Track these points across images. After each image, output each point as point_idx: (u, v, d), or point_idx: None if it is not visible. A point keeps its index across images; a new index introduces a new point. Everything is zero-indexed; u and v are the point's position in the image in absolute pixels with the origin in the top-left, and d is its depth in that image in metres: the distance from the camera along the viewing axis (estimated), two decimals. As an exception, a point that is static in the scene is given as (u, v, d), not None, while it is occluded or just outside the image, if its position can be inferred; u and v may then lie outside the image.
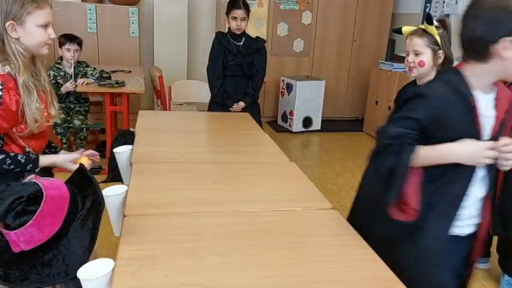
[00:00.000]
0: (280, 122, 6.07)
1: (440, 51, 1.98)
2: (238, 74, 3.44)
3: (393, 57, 6.14)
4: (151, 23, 5.88)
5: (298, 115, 5.78)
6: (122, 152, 2.11)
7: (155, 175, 1.90)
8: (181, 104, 4.96)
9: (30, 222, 1.13)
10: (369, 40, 6.29)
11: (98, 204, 1.28)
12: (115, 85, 3.89)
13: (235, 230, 1.48)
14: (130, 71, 4.77)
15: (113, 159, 2.23)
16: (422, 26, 2.03)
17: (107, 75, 4.17)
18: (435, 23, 1.99)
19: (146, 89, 5.17)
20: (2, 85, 1.55)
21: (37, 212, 1.14)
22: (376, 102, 5.72)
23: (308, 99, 5.79)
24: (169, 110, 4.49)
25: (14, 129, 1.65)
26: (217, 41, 3.46)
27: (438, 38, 1.97)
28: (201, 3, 6.20)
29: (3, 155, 1.62)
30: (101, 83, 3.94)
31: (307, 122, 5.88)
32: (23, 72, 1.60)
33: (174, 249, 1.32)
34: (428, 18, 1.96)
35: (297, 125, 5.83)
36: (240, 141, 2.60)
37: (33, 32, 1.61)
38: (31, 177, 1.26)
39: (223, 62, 3.41)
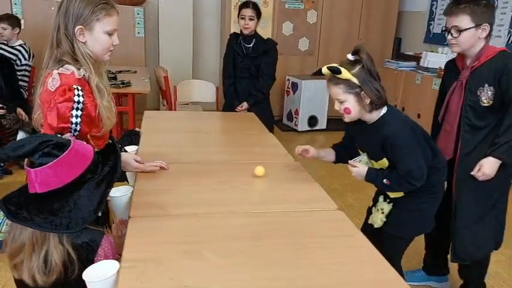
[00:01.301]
0: (285, 121, 6.06)
1: (363, 93, 1.73)
2: (247, 76, 3.47)
3: (399, 55, 6.11)
4: (156, 23, 5.89)
5: (303, 114, 5.77)
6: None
7: (160, 176, 1.90)
8: (187, 104, 4.96)
9: (50, 163, 1.20)
10: (375, 39, 6.25)
11: (115, 171, 1.35)
12: (120, 85, 3.89)
13: (240, 231, 1.48)
14: (135, 71, 4.77)
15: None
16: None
17: (113, 75, 4.17)
18: (350, 57, 1.77)
19: (152, 89, 5.18)
20: (81, 90, 1.55)
21: (59, 157, 1.21)
22: (382, 101, 5.70)
23: (313, 98, 5.78)
24: (175, 110, 4.49)
25: (93, 132, 1.65)
26: (229, 43, 3.51)
27: (355, 80, 1.72)
28: (206, 4, 6.19)
29: None
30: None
31: (312, 121, 5.86)
32: (95, 74, 1.62)
33: (179, 251, 1.32)
34: (333, 70, 1.75)
35: (302, 124, 5.81)
36: (245, 142, 2.60)
37: (99, 37, 1.63)
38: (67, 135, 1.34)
39: (234, 63, 3.46)
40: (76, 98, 1.53)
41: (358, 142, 1.99)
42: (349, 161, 1.92)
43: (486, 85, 2.00)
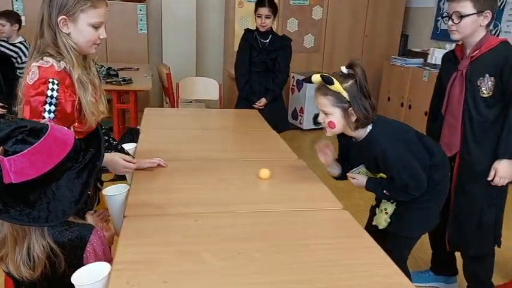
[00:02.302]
0: (290, 119, 5.98)
1: (351, 109, 1.66)
2: (263, 70, 3.46)
3: (406, 52, 6.02)
4: (159, 20, 5.83)
5: (308, 112, 5.69)
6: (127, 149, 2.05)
7: (158, 174, 1.84)
8: (190, 102, 4.90)
9: (24, 151, 1.11)
10: (381, 35, 6.16)
11: (97, 159, 1.25)
12: (122, 83, 3.85)
13: (239, 232, 1.41)
14: (138, 69, 4.72)
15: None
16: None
17: (114, 72, 4.13)
18: (344, 70, 1.74)
19: (155, 87, 5.14)
20: (58, 84, 1.49)
21: (34, 144, 1.12)
22: (389, 99, 5.61)
23: (319, 96, 5.69)
24: (177, 107, 4.43)
25: (77, 127, 1.57)
26: (244, 38, 3.48)
27: (345, 94, 1.66)
28: (210, 0, 6.13)
29: None
30: (107, 80, 3.90)
31: (317, 119, 5.77)
32: (77, 67, 1.55)
33: (174, 253, 1.25)
34: (325, 80, 1.68)
35: (307, 122, 5.73)
36: (247, 139, 2.53)
37: (84, 30, 1.56)
38: (46, 120, 1.25)
39: (249, 58, 3.44)
40: (49, 93, 1.47)
41: (352, 158, 1.92)
42: (348, 174, 1.89)
43: (487, 75, 1.95)
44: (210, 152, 2.19)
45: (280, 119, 3.50)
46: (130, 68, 4.66)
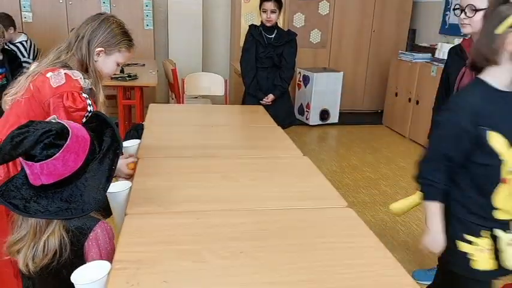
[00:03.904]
0: (296, 114, 5.94)
1: None
2: (269, 66, 3.45)
3: (414, 47, 5.95)
4: (165, 15, 5.81)
5: (314, 108, 5.65)
6: (128, 146, 2.04)
7: (161, 171, 1.82)
8: (196, 97, 4.89)
9: (57, 154, 1.16)
10: (388, 30, 6.10)
11: (116, 146, 1.32)
12: (127, 78, 3.84)
13: (241, 231, 1.38)
14: (144, 64, 4.71)
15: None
16: None
17: (120, 68, 4.12)
18: None
19: (161, 82, 5.13)
20: (89, 98, 1.67)
21: (64, 146, 1.17)
22: (396, 94, 5.55)
23: (325, 92, 5.65)
24: (182, 103, 4.42)
25: None
26: (250, 34, 3.47)
27: None
28: (216, -5, 6.11)
29: None
30: (113, 76, 3.88)
31: (324, 114, 5.74)
32: (101, 91, 1.78)
33: (175, 251, 1.23)
34: None
35: (313, 118, 5.70)
36: (252, 135, 2.51)
37: (111, 64, 1.79)
38: (53, 117, 1.29)
39: (255, 54, 3.43)
40: (89, 108, 1.64)
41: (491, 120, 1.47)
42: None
43: None
44: (213, 149, 2.16)
45: (286, 114, 3.48)
46: (136, 64, 4.66)
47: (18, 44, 4.22)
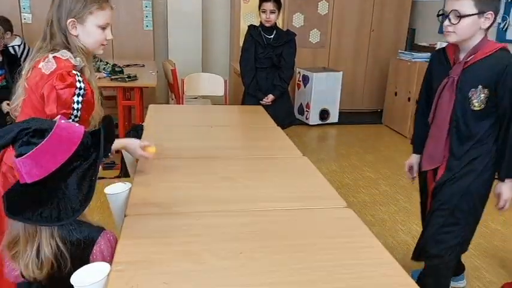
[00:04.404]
0: (296, 114, 5.94)
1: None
2: (269, 66, 3.45)
3: (413, 46, 5.94)
4: (165, 16, 5.81)
5: (314, 108, 5.65)
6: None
7: (160, 172, 1.82)
8: (196, 98, 4.89)
9: (28, 153, 1.12)
10: (388, 30, 6.09)
11: (98, 156, 1.25)
12: (127, 79, 3.84)
13: (241, 231, 1.39)
14: (143, 65, 4.71)
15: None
16: None
17: (119, 69, 4.12)
18: None
19: (161, 83, 5.13)
20: (81, 76, 1.58)
21: (38, 145, 1.13)
22: (396, 94, 5.55)
23: (325, 91, 5.65)
24: (182, 103, 4.42)
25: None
26: (249, 34, 3.48)
27: None
28: (216, -5, 6.11)
29: None
30: (112, 77, 3.89)
31: (324, 114, 5.74)
32: (88, 68, 1.66)
33: (175, 253, 1.24)
34: None
35: (313, 118, 5.70)
36: (251, 136, 2.51)
37: (92, 31, 1.65)
38: (58, 117, 1.26)
39: (255, 55, 3.44)
40: (78, 84, 1.55)
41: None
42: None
43: (480, 86, 1.77)
44: (213, 149, 2.17)
45: (286, 114, 3.48)
46: (136, 65, 4.66)
47: (10, 48, 4.23)
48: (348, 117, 5.98)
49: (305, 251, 1.29)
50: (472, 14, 1.70)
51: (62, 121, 1.24)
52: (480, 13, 1.70)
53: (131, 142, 1.81)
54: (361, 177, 4.01)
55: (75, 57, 1.61)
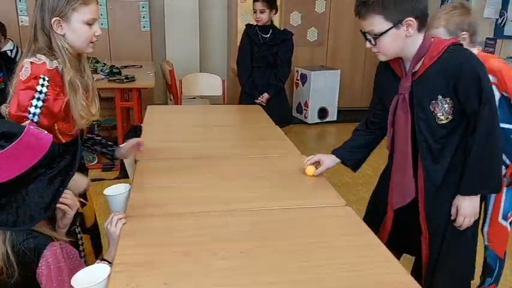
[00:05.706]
0: (294, 113, 5.95)
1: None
2: (264, 65, 3.46)
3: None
4: (162, 16, 5.81)
5: (313, 106, 5.66)
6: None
7: (159, 173, 1.82)
8: (194, 98, 4.89)
9: None
10: (385, 27, 6.10)
11: (71, 167, 1.23)
12: (124, 80, 3.83)
13: (241, 231, 1.39)
14: (141, 66, 4.70)
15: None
16: None
17: (117, 70, 4.12)
18: None
19: (159, 84, 5.12)
20: (48, 81, 1.49)
21: (4, 149, 1.11)
22: (394, 91, 5.55)
23: (323, 90, 5.66)
24: (180, 104, 4.42)
25: (63, 129, 1.59)
26: (246, 33, 3.50)
27: None
28: (213, -4, 6.10)
29: None
30: (110, 78, 3.89)
31: (322, 113, 5.75)
32: (69, 69, 1.55)
33: (175, 253, 1.24)
34: None
35: (312, 117, 5.70)
36: (250, 135, 2.51)
37: (78, 28, 1.56)
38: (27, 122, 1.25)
39: (251, 54, 3.46)
40: (39, 88, 1.46)
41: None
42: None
43: (440, 97, 1.50)
44: (211, 149, 2.17)
45: (283, 113, 3.48)
46: (134, 66, 4.65)
47: (5, 52, 4.24)
48: (346, 115, 5.97)
49: (305, 249, 1.30)
50: (388, 29, 1.47)
51: (32, 127, 1.22)
52: (396, 24, 1.47)
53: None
54: (360, 175, 4.00)
55: (52, 60, 1.52)
